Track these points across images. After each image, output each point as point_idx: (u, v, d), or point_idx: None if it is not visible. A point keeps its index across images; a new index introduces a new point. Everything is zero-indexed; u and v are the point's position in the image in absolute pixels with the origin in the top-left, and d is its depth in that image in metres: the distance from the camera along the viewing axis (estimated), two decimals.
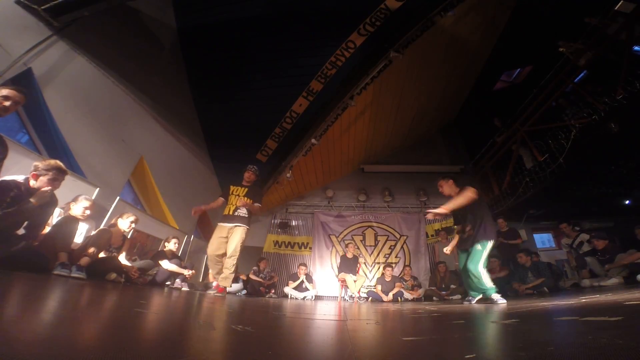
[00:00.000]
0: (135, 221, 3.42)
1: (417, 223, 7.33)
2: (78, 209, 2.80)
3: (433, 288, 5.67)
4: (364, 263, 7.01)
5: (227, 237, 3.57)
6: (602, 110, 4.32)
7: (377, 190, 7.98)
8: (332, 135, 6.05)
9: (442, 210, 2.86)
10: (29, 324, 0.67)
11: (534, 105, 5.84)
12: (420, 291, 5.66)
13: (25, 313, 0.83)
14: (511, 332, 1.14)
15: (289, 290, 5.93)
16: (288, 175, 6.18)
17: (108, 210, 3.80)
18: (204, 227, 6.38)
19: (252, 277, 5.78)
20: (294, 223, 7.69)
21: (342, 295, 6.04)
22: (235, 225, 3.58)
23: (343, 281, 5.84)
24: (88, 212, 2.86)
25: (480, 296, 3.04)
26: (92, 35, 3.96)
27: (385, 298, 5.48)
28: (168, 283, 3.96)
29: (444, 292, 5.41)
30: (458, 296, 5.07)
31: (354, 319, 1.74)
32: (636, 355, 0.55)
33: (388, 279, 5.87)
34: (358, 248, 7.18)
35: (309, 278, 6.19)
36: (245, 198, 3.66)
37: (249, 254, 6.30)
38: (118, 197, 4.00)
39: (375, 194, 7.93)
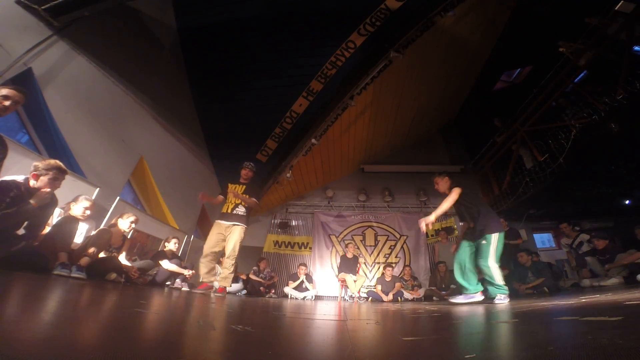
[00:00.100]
0: (136, 221, 3.42)
1: (417, 223, 7.31)
2: (78, 209, 2.81)
3: (433, 288, 5.68)
4: (364, 263, 7.01)
5: (224, 235, 3.57)
6: (602, 110, 4.32)
7: (377, 190, 7.98)
8: (332, 135, 6.05)
9: (431, 218, 3.01)
10: (29, 324, 0.67)
11: (534, 105, 5.84)
12: (421, 291, 5.66)
13: (25, 313, 0.83)
14: (511, 332, 1.14)
15: (289, 290, 5.93)
16: (288, 175, 6.18)
17: (108, 210, 3.80)
18: (204, 227, 6.38)
19: (252, 277, 5.78)
20: (294, 223, 7.69)
21: (342, 295, 6.03)
22: (233, 224, 3.58)
23: (343, 281, 5.84)
24: (88, 212, 2.86)
25: (477, 293, 3.04)
26: (92, 35, 3.96)
27: (385, 298, 5.48)
28: (168, 283, 3.96)
29: (444, 292, 5.41)
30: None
31: (354, 319, 1.74)
32: (636, 355, 0.55)
33: (388, 279, 5.86)
34: (358, 248, 7.18)
35: (309, 278, 6.18)
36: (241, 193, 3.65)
37: (249, 254, 6.30)
38: (118, 197, 4.00)
39: (375, 194, 7.92)
